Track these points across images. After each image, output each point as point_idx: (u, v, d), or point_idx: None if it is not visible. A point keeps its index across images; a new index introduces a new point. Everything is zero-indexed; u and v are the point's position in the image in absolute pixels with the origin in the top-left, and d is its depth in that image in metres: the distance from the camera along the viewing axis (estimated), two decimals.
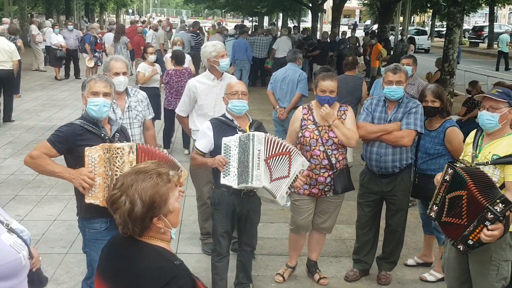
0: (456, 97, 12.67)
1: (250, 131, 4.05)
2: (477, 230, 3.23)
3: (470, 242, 3.29)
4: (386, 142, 4.48)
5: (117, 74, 4.39)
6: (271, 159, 3.89)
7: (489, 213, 3.14)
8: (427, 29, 43.87)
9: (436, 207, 3.52)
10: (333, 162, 4.37)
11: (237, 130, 4.08)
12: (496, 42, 26.63)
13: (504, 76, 17.17)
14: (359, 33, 31.22)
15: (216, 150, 4.05)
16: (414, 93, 6.30)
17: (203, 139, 4.13)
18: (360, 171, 4.85)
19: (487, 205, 3.15)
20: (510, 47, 24.31)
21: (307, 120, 4.46)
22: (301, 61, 8.01)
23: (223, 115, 4.21)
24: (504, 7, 41.84)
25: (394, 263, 4.89)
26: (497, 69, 22.95)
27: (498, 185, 3.37)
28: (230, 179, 3.89)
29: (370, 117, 4.58)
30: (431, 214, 3.59)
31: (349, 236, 5.70)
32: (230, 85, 4.24)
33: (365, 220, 4.80)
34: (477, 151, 3.55)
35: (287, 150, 3.99)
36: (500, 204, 3.14)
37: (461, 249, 3.36)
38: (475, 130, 3.68)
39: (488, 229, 3.17)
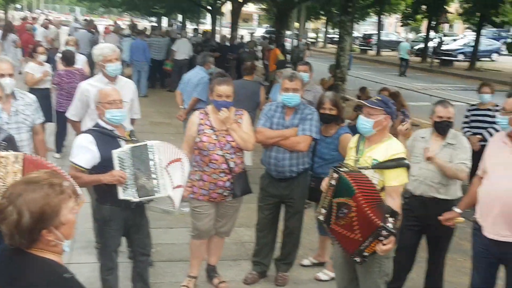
0: (347, 101, 13.28)
1: (132, 139, 3.94)
2: (372, 245, 3.42)
3: (366, 254, 3.48)
4: (283, 147, 4.60)
5: (2, 75, 4.12)
6: (169, 166, 3.84)
7: (383, 231, 3.35)
8: (320, 35, 45.60)
9: (325, 211, 3.63)
10: (232, 166, 4.40)
11: (119, 140, 3.90)
12: (397, 49, 28.55)
13: (395, 83, 18.29)
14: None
15: (103, 164, 3.78)
16: (311, 99, 6.50)
17: (85, 154, 3.78)
18: (261, 175, 4.93)
19: (380, 224, 3.34)
20: (409, 54, 26.11)
21: (204, 125, 4.45)
22: (210, 65, 8.02)
23: (97, 125, 3.94)
24: (390, 16, 44.59)
25: (291, 264, 5.03)
26: (400, 75, 24.71)
27: (378, 187, 3.57)
28: (130, 193, 3.74)
29: (269, 123, 4.68)
30: (319, 217, 3.69)
31: (248, 239, 5.77)
32: (105, 94, 3.95)
33: (264, 223, 4.89)
34: (359, 155, 3.74)
35: (179, 157, 3.97)
36: (390, 219, 3.36)
37: (358, 260, 3.52)
38: (357, 135, 3.87)
39: (383, 244, 3.38)
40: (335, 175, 3.55)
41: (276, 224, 4.98)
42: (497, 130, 6.65)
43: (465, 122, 7.07)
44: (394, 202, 3.56)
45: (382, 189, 3.62)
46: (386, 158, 3.61)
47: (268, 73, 17.70)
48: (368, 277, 3.71)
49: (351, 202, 3.42)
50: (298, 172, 4.69)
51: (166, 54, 16.13)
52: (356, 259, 3.52)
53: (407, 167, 3.67)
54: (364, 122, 3.70)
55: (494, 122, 6.81)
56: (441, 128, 4.40)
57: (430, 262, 4.69)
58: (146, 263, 4.33)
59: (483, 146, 5.52)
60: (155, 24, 33.39)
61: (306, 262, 5.34)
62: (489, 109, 6.93)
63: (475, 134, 6.79)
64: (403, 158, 3.64)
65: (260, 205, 4.91)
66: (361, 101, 3.89)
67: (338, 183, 3.52)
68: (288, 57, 19.53)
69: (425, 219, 4.37)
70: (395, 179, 3.59)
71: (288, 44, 23.63)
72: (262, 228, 4.93)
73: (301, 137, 4.57)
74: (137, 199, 3.75)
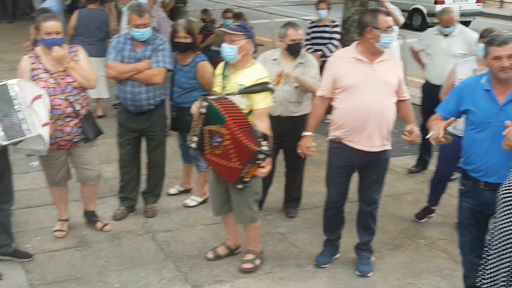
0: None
1: None
2: (251, 170, 3.68)
3: (246, 179, 3.73)
4: (138, 81, 4.51)
5: None
6: (33, 103, 3.70)
7: (260, 155, 3.60)
8: None
9: (197, 138, 3.78)
10: (78, 108, 4.19)
11: None
12: None
13: (233, 1, 18.29)
14: None
15: None
16: (156, 26, 6.36)
17: None
18: (117, 111, 4.90)
19: (256, 149, 3.58)
20: None
21: (37, 69, 4.13)
22: None
23: None
24: None
25: (158, 196, 5.10)
26: None
27: (245, 112, 3.76)
28: None
29: (120, 56, 4.53)
30: (191, 145, 3.85)
31: (111, 175, 5.68)
32: None
33: (127, 158, 4.86)
34: (225, 82, 3.85)
35: (40, 93, 3.85)
36: (263, 142, 3.60)
37: (240, 187, 3.79)
38: (224, 62, 3.93)
39: (261, 167, 3.68)
40: (205, 103, 3.67)
41: (139, 158, 4.97)
42: (335, 46, 7.18)
43: (307, 40, 7.43)
44: (264, 124, 3.77)
45: (249, 113, 3.79)
46: (252, 83, 3.76)
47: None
48: (240, 197, 3.94)
49: (223, 130, 3.59)
50: (155, 104, 4.66)
51: None
52: (238, 186, 3.78)
53: (272, 91, 3.88)
54: (228, 50, 3.78)
55: (332, 38, 7.29)
56: (295, 50, 4.64)
57: (288, 175, 5.07)
58: (8, 211, 4.14)
59: (324, 62, 5.87)
60: None
61: (173, 190, 5.44)
62: (326, 25, 7.34)
63: (316, 51, 7.20)
64: (268, 83, 3.83)
65: (120, 141, 4.83)
66: (222, 29, 3.90)
67: (208, 111, 3.66)
68: None
69: (283, 137, 4.56)
70: (262, 101, 3.79)
71: None
72: (125, 164, 4.89)
73: (156, 70, 4.50)
74: (6, 142, 3.55)
